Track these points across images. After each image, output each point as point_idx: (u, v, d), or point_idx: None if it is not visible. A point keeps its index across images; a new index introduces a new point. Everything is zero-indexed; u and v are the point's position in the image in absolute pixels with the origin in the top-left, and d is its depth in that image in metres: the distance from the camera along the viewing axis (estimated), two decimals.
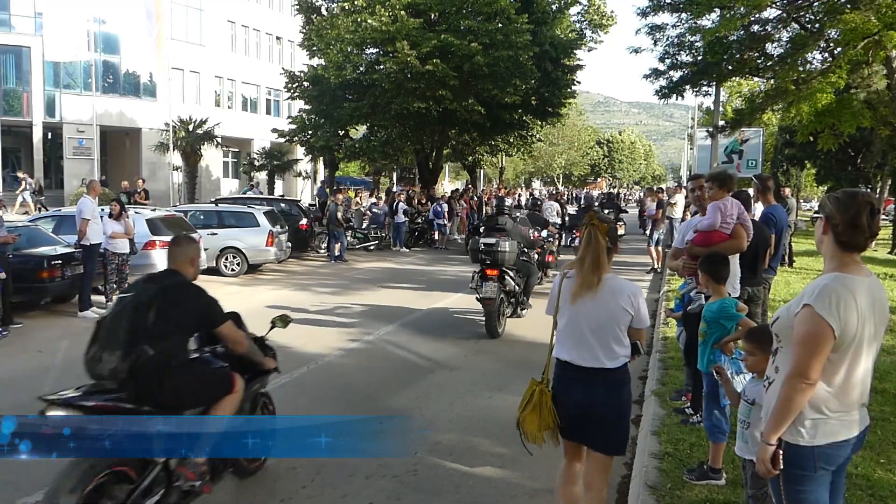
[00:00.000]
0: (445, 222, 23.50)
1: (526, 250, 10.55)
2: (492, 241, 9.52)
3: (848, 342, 2.55)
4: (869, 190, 27.62)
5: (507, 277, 9.57)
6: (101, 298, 11.16)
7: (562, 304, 3.64)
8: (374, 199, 25.35)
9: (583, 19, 30.44)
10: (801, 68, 15.75)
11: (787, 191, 19.71)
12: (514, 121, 28.76)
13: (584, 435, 3.60)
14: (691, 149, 42.43)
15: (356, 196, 26.45)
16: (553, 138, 60.13)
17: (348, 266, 17.77)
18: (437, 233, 23.22)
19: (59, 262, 10.45)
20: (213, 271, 14.99)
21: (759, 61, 17.20)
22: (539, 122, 31.42)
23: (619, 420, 3.57)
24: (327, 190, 26.33)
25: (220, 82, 40.62)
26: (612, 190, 68.48)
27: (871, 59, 14.06)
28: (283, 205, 20.29)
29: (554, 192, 40.20)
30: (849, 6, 13.81)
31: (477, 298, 9.41)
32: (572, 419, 3.57)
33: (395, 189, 32.16)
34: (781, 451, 2.61)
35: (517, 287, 9.84)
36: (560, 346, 3.65)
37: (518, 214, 11.75)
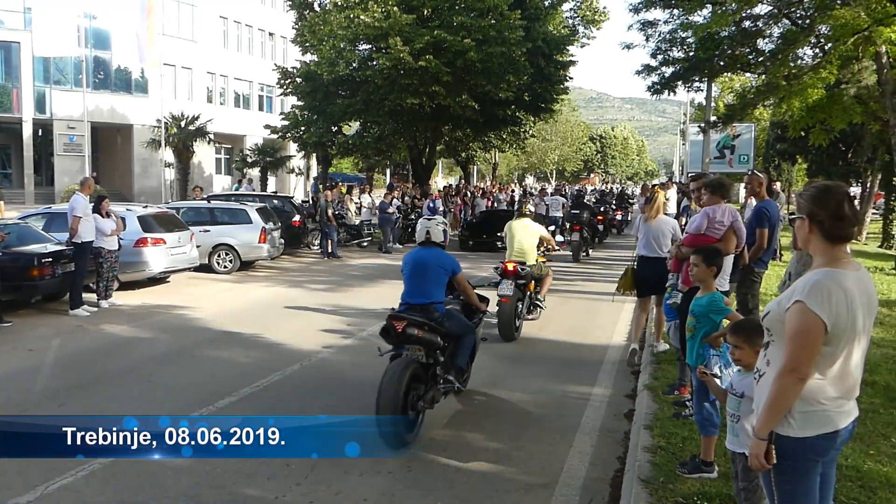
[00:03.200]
0: None
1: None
2: (577, 211, 18.28)
3: (839, 335, 2.57)
4: (860, 184, 27.80)
5: (584, 230, 17.48)
6: (93, 296, 11.10)
7: (640, 227, 7.80)
8: (382, 197, 23.02)
9: (575, 15, 30.47)
10: (791, 64, 15.82)
11: (778, 185, 19.79)
12: (507, 117, 28.75)
13: (650, 290, 7.62)
14: (683, 144, 42.54)
15: (348, 193, 26.19)
16: (546, 134, 60.10)
17: (341, 262, 17.74)
18: None
19: (50, 259, 10.37)
20: (206, 268, 14.91)
21: (750, 57, 17.22)
22: (532, 118, 31.41)
23: (664, 280, 6.74)
24: (320, 186, 26.24)
25: (213, 78, 40.44)
26: (612, 186, 68.90)
27: (861, 55, 14.11)
28: (275, 201, 20.20)
29: (558, 186, 42.21)
30: (839, 2, 13.86)
31: (567, 241, 16.30)
32: (644, 281, 7.56)
33: (395, 185, 31.92)
34: (773, 446, 2.63)
35: (587, 236, 18.15)
36: (640, 248, 7.68)
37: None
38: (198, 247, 14.12)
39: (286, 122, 28.97)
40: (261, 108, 43.86)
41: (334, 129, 28.13)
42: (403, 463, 4.96)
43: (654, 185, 12.39)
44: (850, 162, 25.84)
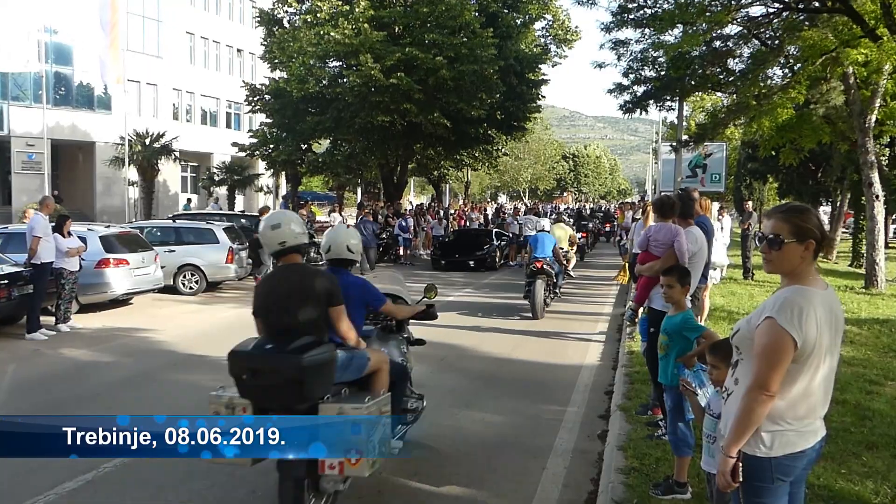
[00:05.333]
0: (411, 237, 23.30)
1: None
2: (584, 222, 26.29)
3: (807, 353, 2.58)
4: (830, 203, 28.25)
5: (588, 237, 22.80)
6: (51, 319, 10.71)
7: (636, 231, 9.36)
8: (363, 216, 21.32)
9: (547, 34, 30.67)
10: (761, 84, 15.94)
11: (749, 204, 19.99)
12: (479, 135, 28.79)
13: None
14: (656, 163, 43.04)
15: (334, 212, 25.78)
16: (519, 152, 60.39)
17: None
18: (401, 248, 23.01)
19: (6, 281, 10.01)
20: (171, 289, 14.56)
21: (721, 76, 17.37)
22: (504, 137, 31.55)
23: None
24: (289, 205, 25.94)
25: (179, 95, 40.00)
26: (588, 205, 69.94)
27: (829, 76, 14.31)
28: (243, 220, 19.90)
29: (532, 205, 43.21)
30: (807, 24, 14.07)
31: (576, 248, 18.72)
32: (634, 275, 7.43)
33: (366, 203, 31.76)
34: (741, 464, 2.63)
35: (589, 239, 24.56)
36: (635, 248, 7.98)
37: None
38: (162, 267, 13.79)
39: (254, 140, 28.75)
40: (228, 126, 43.49)
41: (304, 146, 27.97)
42: (374, 488, 4.80)
43: (647, 201, 15.35)
44: (819, 181, 26.23)
